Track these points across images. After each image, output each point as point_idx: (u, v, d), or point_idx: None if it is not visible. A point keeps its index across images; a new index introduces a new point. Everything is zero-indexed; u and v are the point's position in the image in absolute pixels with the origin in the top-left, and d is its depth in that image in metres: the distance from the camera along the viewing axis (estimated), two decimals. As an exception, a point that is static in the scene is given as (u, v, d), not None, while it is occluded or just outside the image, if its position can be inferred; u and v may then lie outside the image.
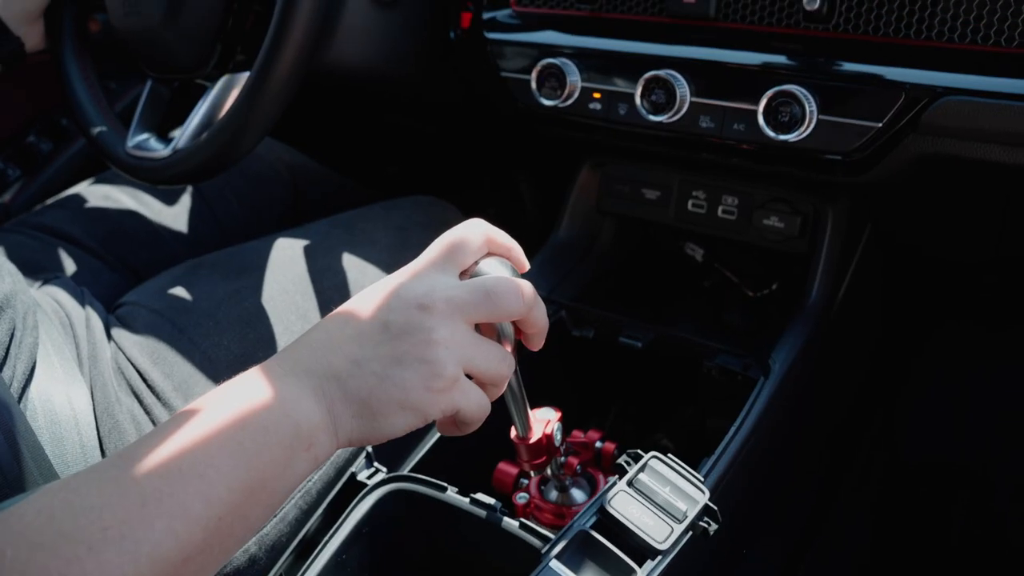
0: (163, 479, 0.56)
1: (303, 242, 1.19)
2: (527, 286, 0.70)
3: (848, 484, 1.46)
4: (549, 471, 0.91)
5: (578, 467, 0.97)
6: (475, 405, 0.69)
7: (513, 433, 0.86)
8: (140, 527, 0.54)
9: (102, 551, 0.52)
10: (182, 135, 1.09)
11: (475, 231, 0.72)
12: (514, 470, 1.00)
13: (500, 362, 0.70)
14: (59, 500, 0.54)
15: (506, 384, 0.73)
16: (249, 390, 0.62)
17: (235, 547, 0.61)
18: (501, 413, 0.81)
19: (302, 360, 0.66)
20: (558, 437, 0.88)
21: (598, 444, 1.03)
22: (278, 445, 0.61)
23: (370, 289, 0.69)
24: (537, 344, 0.76)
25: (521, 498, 0.97)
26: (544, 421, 0.87)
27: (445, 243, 0.71)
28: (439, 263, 0.70)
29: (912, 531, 1.42)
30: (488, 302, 0.68)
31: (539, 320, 0.73)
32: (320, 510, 0.97)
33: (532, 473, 0.90)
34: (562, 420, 0.88)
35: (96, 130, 1.17)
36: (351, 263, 1.17)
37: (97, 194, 1.38)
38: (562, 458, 0.91)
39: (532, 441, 0.86)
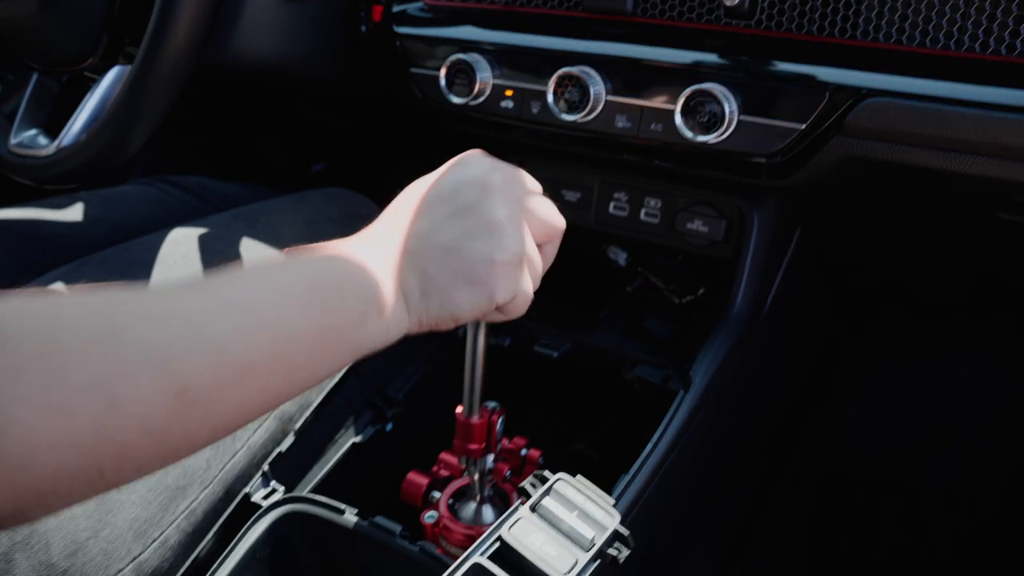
0: (239, 288, 0.57)
1: (201, 236, 1.12)
2: None
3: (778, 495, 1.44)
4: (476, 477, 0.89)
5: (507, 473, 0.96)
6: (529, 292, 0.71)
7: (459, 410, 0.86)
8: (209, 316, 0.54)
9: (165, 323, 0.52)
10: (67, 132, 1.02)
11: (535, 181, 0.74)
12: (424, 480, 0.96)
13: (540, 259, 0.72)
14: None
15: (537, 285, 0.74)
16: (327, 255, 0.64)
17: (294, 389, 0.61)
18: (411, 431, 0.78)
19: (372, 239, 0.67)
20: (500, 430, 0.88)
21: (523, 451, 1.00)
22: (354, 301, 0.62)
23: (433, 174, 0.71)
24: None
25: (429, 517, 0.93)
26: (490, 410, 0.87)
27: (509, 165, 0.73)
28: (500, 163, 0.72)
29: (843, 541, 1.40)
30: (541, 203, 0.71)
31: (552, 255, 0.76)
32: (211, 533, 0.92)
33: (465, 464, 0.88)
34: (504, 415, 0.89)
35: None
36: (250, 259, 1.11)
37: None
38: (491, 463, 0.89)
39: (477, 421, 0.85)
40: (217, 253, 1.09)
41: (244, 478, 0.97)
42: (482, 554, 0.70)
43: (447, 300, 0.66)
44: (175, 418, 0.51)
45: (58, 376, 0.47)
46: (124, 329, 0.50)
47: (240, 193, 1.48)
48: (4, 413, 0.45)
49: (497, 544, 0.71)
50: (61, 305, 0.50)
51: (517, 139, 1.13)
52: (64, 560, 0.85)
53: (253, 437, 0.99)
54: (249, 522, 0.87)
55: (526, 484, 0.77)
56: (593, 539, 0.72)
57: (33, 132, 1.10)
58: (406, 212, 0.69)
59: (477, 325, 0.80)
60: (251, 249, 1.12)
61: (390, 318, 0.64)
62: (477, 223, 0.67)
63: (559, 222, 0.73)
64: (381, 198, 1.34)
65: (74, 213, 1.30)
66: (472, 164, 0.71)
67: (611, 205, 1.16)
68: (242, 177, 1.55)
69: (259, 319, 0.56)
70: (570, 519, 0.73)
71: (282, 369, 0.58)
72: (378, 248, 0.66)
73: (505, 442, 1.01)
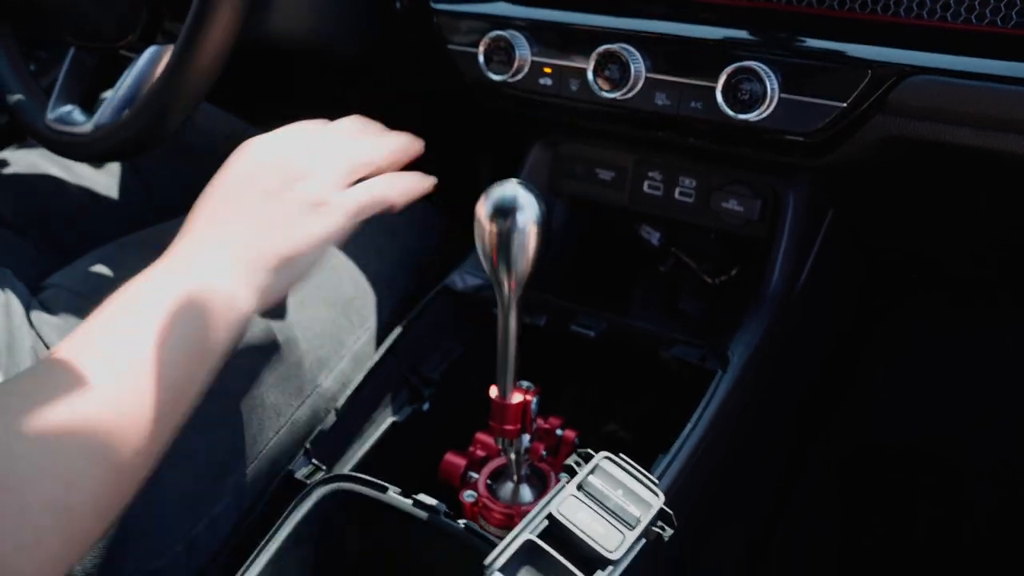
0: (127, 353, 0.65)
1: None
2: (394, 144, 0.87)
3: (813, 473, 1.44)
4: (512, 457, 0.89)
5: (543, 452, 0.95)
6: (384, 187, 0.84)
7: (494, 392, 0.85)
8: (132, 392, 0.63)
9: (113, 424, 0.60)
10: (105, 110, 1.03)
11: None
12: (462, 461, 0.96)
13: (375, 149, 0.85)
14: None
15: (396, 160, 0.87)
16: (171, 274, 0.72)
17: (189, 402, 0.71)
18: (447, 411, 0.78)
19: (204, 250, 0.75)
20: (535, 410, 0.87)
21: (559, 432, 1.00)
22: (210, 314, 0.70)
23: (224, 170, 0.80)
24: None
25: (469, 496, 0.93)
26: (524, 391, 0.86)
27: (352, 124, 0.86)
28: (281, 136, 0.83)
29: (879, 519, 1.40)
30: (344, 153, 0.83)
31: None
32: (257, 511, 0.93)
33: (501, 444, 0.88)
34: (539, 396, 0.87)
35: (13, 97, 1.11)
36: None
37: (22, 163, 1.31)
38: (527, 443, 0.89)
39: (512, 402, 0.84)
40: None
41: (289, 455, 0.98)
42: (532, 531, 0.71)
43: (293, 263, 0.77)
44: (115, 493, 0.60)
45: (24, 512, 0.54)
46: (73, 437, 0.57)
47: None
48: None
49: (547, 521, 0.71)
50: (11, 425, 0.56)
51: (553, 116, 1.13)
52: (120, 532, 0.86)
53: (296, 414, 1.00)
54: (295, 500, 0.88)
55: (570, 462, 0.77)
56: (639, 517, 0.72)
57: (69, 108, 1.10)
58: (222, 211, 0.77)
59: (508, 307, 0.79)
60: None
61: (241, 303, 0.73)
62: (290, 201, 0.77)
63: (375, 154, 0.85)
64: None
65: (76, 175, 1.31)
66: (256, 149, 0.80)
67: (645, 184, 1.15)
68: None
69: (155, 376, 0.65)
70: (616, 497, 0.74)
71: (178, 399, 0.68)
72: (213, 257, 0.74)
73: (540, 422, 1.01)
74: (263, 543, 0.85)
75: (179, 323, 0.68)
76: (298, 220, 0.76)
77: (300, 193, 0.77)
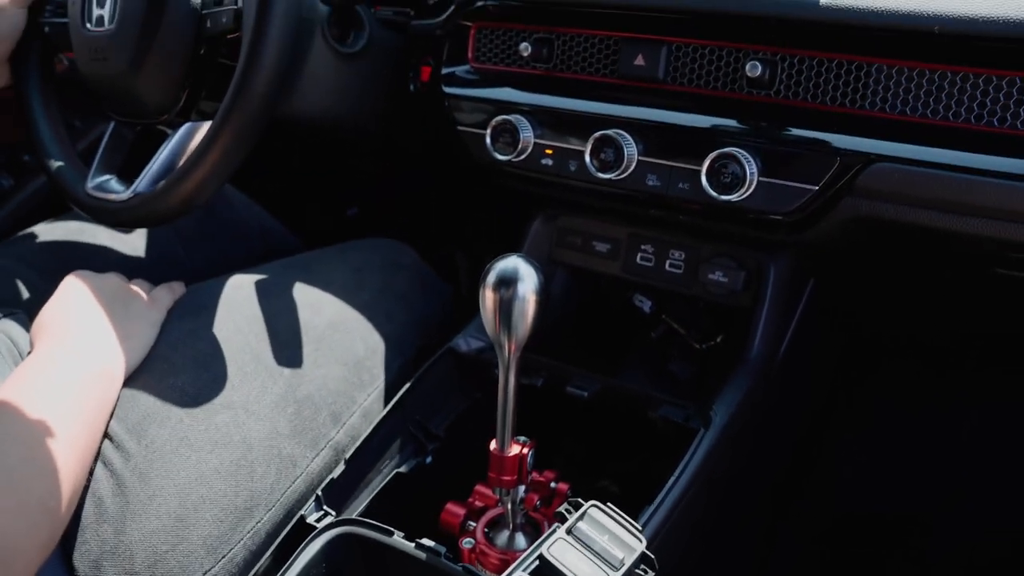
0: (50, 423, 0.91)
1: (258, 282, 1.21)
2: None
3: (790, 533, 1.48)
4: (508, 506, 0.93)
5: (537, 502, 1.00)
6: (146, 308, 1.11)
7: (493, 445, 0.89)
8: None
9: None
10: (142, 180, 1.11)
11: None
12: (461, 511, 1.01)
13: (117, 289, 1.11)
14: None
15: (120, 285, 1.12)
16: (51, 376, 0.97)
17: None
18: (449, 464, 0.83)
19: (65, 357, 1.00)
20: (531, 462, 0.92)
21: (552, 484, 1.05)
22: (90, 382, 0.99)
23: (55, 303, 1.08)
24: None
25: (467, 543, 0.98)
26: (521, 444, 0.91)
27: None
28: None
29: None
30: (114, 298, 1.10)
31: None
32: (269, 552, 0.98)
33: (498, 495, 0.93)
34: (534, 449, 0.92)
35: (56, 166, 1.19)
36: (306, 303, 1.19)
37: (73, 228, 1.39)
38: (522, 493, 0.93)
39: (510, 454, 0.89)
40: (274, 296, 1.18)
41: (303, 502, 1.04)
42: (524, 570, 0.77)
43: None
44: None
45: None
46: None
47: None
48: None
49: (537, 562, 0.78)
50: None
51: (553, 194, 1.21)
52: (145, 570, 0.93)
53: (311, 465, 1.07)
54: (305, 542, 0.93)
55: (562, 509, 0.83)
56: (623, 559, 0.78)
57: (108, 177, 1.18)
58: (62, 327, 1.04)
59: (508, 366, 0.85)
60: (305, 293, 1.20)
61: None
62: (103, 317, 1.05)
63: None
64: (417, 244, 1.42)
65: (155, 253, 1.39)
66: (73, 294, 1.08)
67: (638, 256, 1.23)
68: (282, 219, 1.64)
69: (70, 432, 0.92)
70: (602, 541, 0.79)
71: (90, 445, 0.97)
72: (77, 358, 1.00)
73: (536, 475, 1.06)
74: (275, 581, 0.91)
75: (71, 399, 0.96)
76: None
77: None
